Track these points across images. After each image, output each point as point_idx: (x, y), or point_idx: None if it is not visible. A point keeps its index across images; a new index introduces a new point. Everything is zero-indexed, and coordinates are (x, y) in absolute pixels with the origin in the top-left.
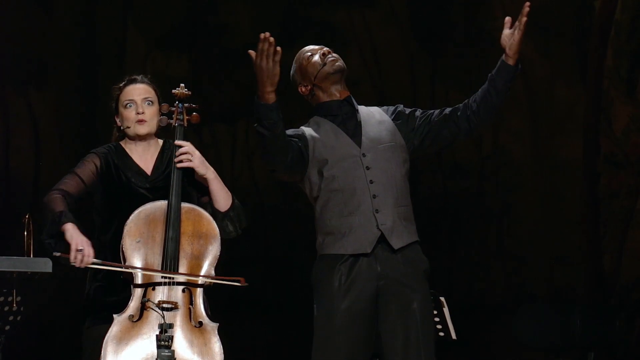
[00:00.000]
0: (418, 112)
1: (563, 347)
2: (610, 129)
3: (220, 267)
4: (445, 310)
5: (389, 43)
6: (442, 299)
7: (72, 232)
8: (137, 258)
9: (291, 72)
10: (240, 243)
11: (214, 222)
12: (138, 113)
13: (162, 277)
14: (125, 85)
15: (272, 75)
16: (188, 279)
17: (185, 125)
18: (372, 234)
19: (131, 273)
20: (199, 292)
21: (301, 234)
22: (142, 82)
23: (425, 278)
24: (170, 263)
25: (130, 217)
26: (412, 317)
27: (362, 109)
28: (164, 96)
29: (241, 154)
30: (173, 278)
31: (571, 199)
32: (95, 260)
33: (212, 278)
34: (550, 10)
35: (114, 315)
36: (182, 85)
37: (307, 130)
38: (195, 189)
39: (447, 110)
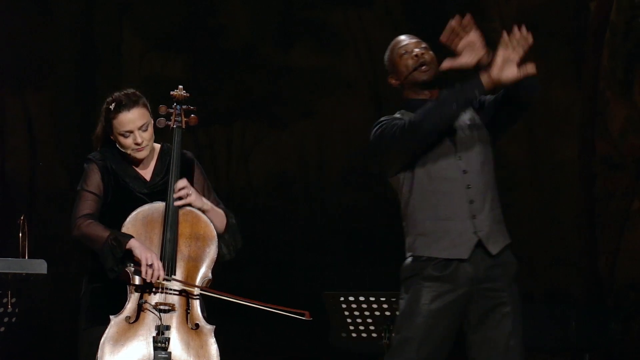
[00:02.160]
0: (487, 97)
1: (559, 348)
2: (606, 130)
3: (217, 270)
4: None
5: (385, 43)
6: None
7: (140, 248)
8: (134, 260)
9: (385, 57)
10: (238, 249)
11: (212, 224)
12: (137, 143)
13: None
14: (117, 112)
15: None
16: (183, 287)
17: (184, 127)
18: (469, 240)
19: (128, 275)
20: (196, 294)
21: (297, 235)
22: (134, 105)
23: (516, 281)
24: (167, 265)
25: (128, 219)
26: (505, 322)
27: None
28: (161, 97)
29: (237, 156)
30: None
31: (567, 200)
32: (166, 276)
33: (275, 308)
34: (546, 12)
35: (111, 317)
36: (180, 87)
37: None
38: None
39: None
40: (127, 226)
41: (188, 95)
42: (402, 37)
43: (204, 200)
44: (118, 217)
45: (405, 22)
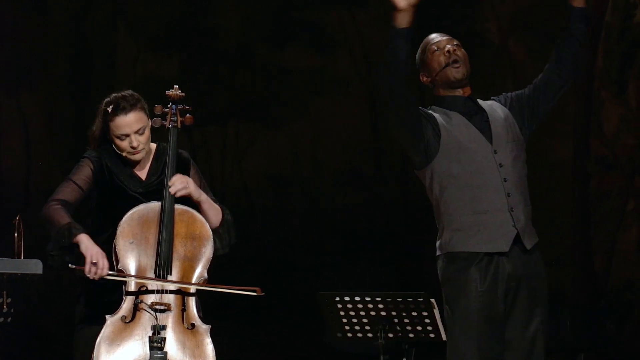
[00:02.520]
0: (513, 94)
1: (553, 348)
2: (600, 130)
3: (213, 270)
4: (436, 311)
5: (380, 43)
6: (433, 300)
7: (86, 244)
8: (130, 259)
9: (416, 55)
10: (232, 245)
11: (207, 224)
12: (132, 147)
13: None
14: (114, 115)
15: None
16: (180, 286)
17: (179, 127)
18: (509, 233)
19: (124, 274)
20: (192, 294)
21: (293, 235)
22: (132, 109)
23: (546, 282)
24: (163, 265)
25: (124, 218)
26: (534, 322)
27: (484, 105)
28: (156, 97)
29: (231, 156)
30: (185, 288)
31: (561, 200)
32: (110, 272)
33: (226, 288)
34: (541, 11)
35: (107, 316)
36: (175, 86)
37: (437, 117)
38: None
39: (535, 80)
40: (123, 226)
41: (183, 94)
42: (434, 34)
43: (201, 191)
44: (113, 216)
45: None
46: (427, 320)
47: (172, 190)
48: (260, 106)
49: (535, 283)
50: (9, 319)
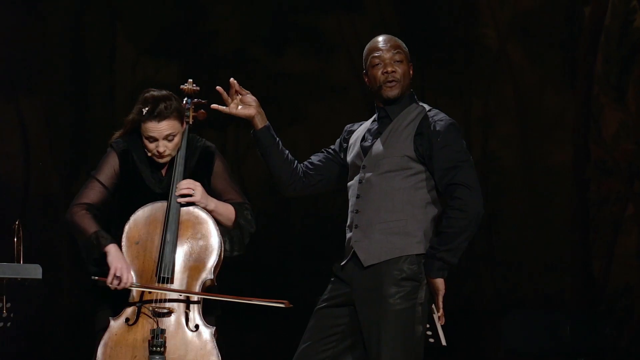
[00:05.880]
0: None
1: (552, 353)
2: (600, 136)
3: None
4: (435, 316)
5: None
6: (432, 306)
7: (113, 256)
8: (134, 260)
9: (364, 51)
10: (246, 244)
11: (214, 226)
12: (158, 151)
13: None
14: (147, 119)
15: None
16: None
17: (191, 122)
18: (347, 250)
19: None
20: (196, 297)
21: (291, 240)
22: (165, 118)
23: (387, 295)
24: (166, 267)
25: (131, 218)
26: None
27: (406, 116)
28: None
29: (231, 161)
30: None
31: (561, 205)
32: (134, 283)
33: (252, 300)
34: (540, 17)
35: (110, 319)
36: (190, 80)
37: (352, 135)
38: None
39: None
40: (130, 225)
41: (198, 88)
42: (380, 41)
43: (210, 198)
44: (128, 210)
45: (398, 28)
46: (427, 325)
47: (179, 200)
48: None
49: (368, 298)
50: (9, 324)
